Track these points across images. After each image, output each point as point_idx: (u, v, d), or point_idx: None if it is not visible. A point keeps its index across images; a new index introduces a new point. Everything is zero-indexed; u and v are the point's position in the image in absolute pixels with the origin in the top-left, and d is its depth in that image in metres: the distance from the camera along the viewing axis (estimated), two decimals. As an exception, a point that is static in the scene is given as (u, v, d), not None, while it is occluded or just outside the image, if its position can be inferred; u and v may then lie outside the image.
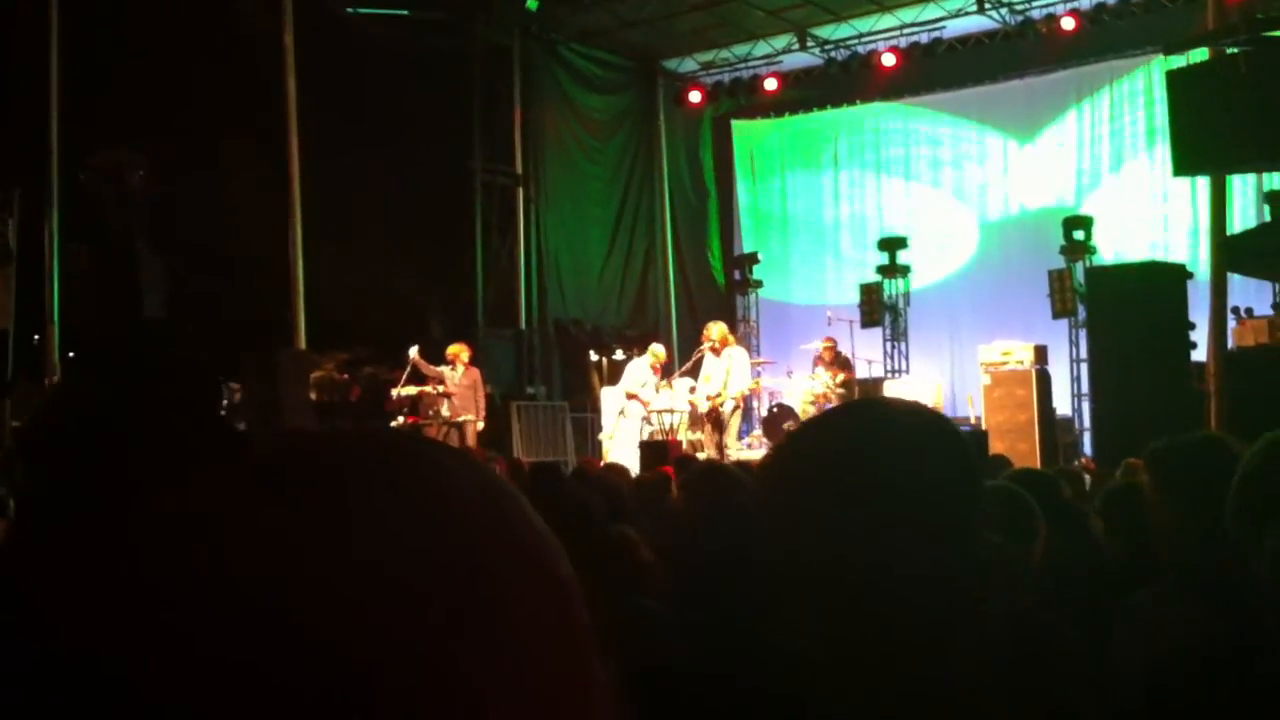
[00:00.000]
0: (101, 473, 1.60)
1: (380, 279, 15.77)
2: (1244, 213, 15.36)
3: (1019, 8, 18.04)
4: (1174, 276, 12.11)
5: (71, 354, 12.17)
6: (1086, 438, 15.61)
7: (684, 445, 13.68)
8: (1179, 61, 10.54)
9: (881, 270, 18.93)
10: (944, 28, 18.59)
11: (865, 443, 1.26)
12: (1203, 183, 13.65)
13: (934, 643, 1.20)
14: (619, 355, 16.77)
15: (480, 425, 14.26)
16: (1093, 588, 3.37)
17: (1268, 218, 14.25)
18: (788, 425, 14.55)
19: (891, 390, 16.95)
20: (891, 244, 18.98)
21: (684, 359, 15.63)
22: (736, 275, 21.09)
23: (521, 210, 18.47)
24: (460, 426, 13.93)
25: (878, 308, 18.71)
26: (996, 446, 11.91)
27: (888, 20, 18.58)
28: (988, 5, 17.91)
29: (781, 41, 19.48)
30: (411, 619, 0.50)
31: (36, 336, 12.39)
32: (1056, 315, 17.03)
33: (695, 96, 20.76)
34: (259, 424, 11.31)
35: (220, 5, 14.35)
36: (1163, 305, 11.51)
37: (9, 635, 0.48)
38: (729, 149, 22.14)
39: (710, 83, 20.90)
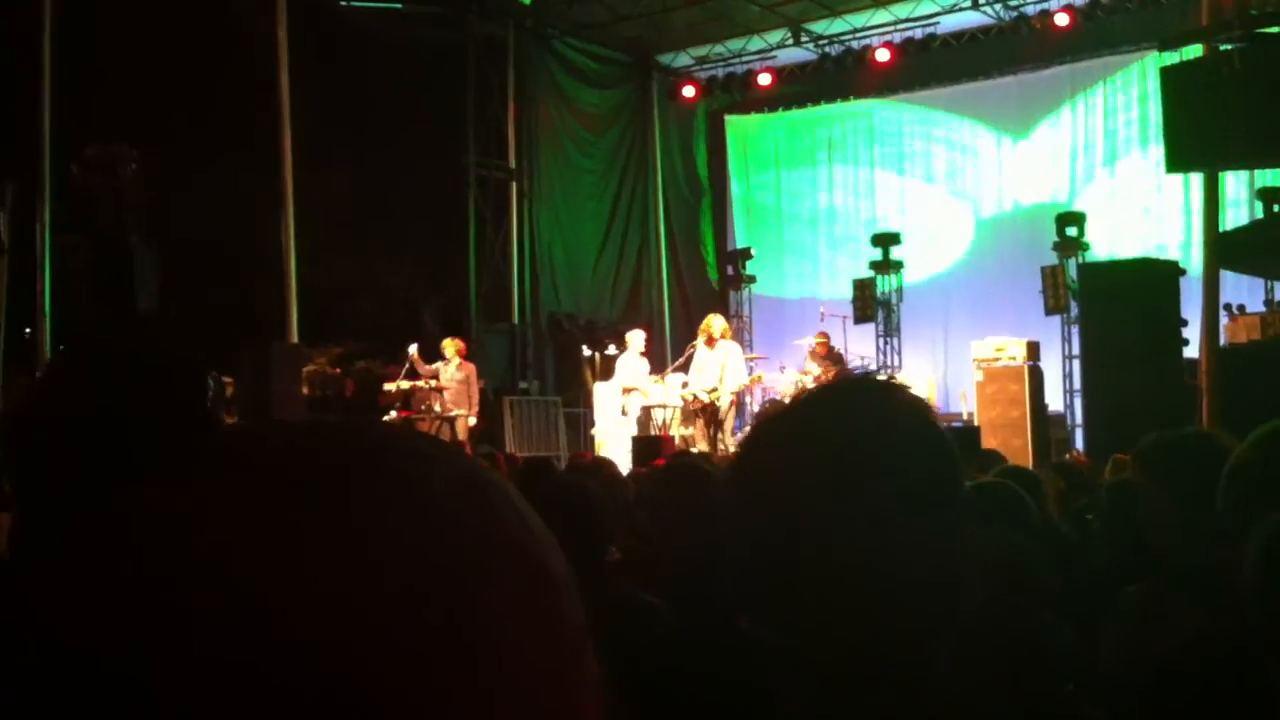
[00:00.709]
0: (96, 468, 1.59)
1: (373, 273, 15.77)
2: (1237, 209, 15.38)
3: (1013, 3, 18.06)
4: (1167, 273, 12.13)
5: (62, 346, 12.16)
6: (1079, 433, 15.63)
7: (676, 441, 13.67)
8: (1173, 58, 10.57)
9: (875, 266, 18.96)
10: (938, 23, 18.62)
11: (841, 428, 1.22)
12: (1196, 179, 13.66)
13: (915, 639, 1.19)
14: (612, 350, 16.77)
15: (473, 420, 14.28)
16: (1086, 584, 3.38)
17: (1260, 214, 14.27)
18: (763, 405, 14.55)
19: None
20: (885, 240, 19.01)
21: (677, 354, 15.62)
22: (730, 270, 21.13)
23: (515, 204, 18.46)
24: (452, 421, 13.95)
25: (871, 303, 18.75)
26: (989, 442, 11.92)
27: (882, 16, 18.59)
28: (982, 1, 17.93)
29: (776, 36, 19.49)
30: (408, 619, 0.50)
31: (28, 329, 12.39)
32: (1049, 311, 17.07)
33: (689, 91, 20.77)
34: (250, 418, 11.30)
35: (213, -1, 14.35)
36: (1155, 301, 11.53)
37: (9, 634, 0.48)
38: (723, 144, 22.14)
39: (704, 77, 20.91)
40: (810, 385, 15.47)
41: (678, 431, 14.28)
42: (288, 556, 0.49)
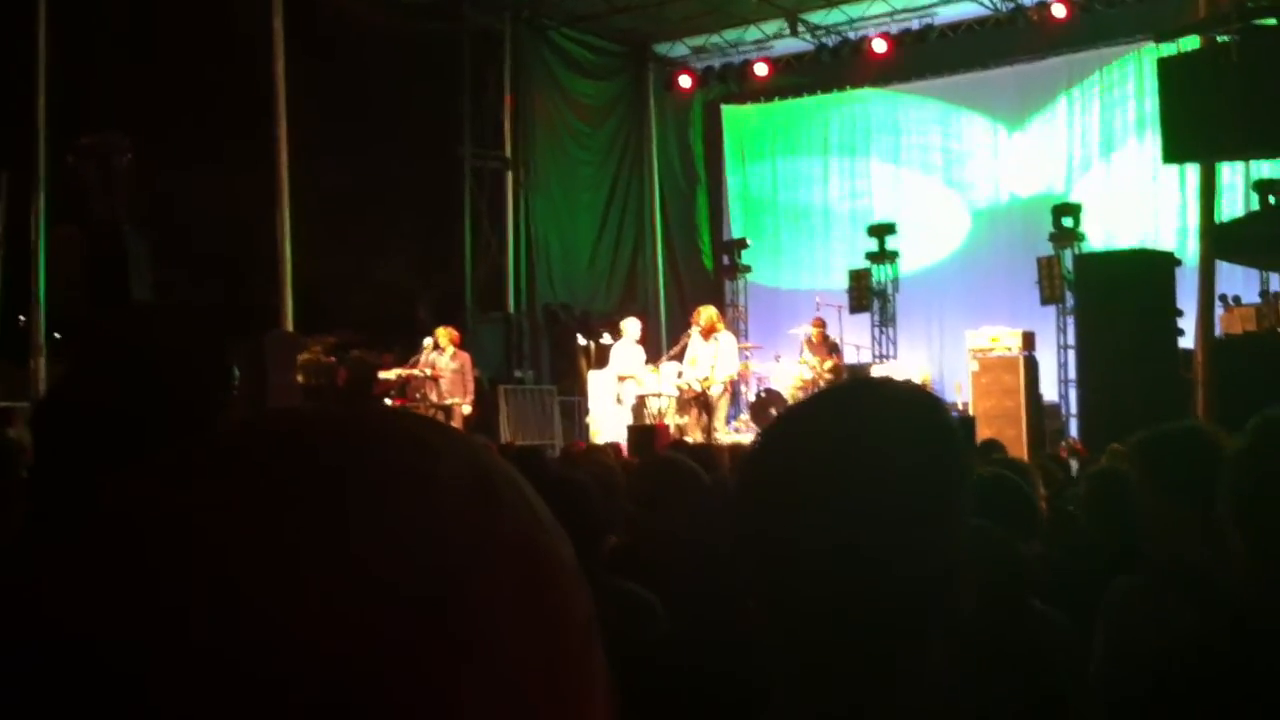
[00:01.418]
0: (110, 464, 1.59)
1: (369, 263, 15.75)
2: (1233, 201, 15.38)
3: (1010, -6, 18.04)
4: (1162, 264, 12.16)
5: (58, 334, 12.15)
6: (1074, 424, 15.66)
7: (671, 430, 13.68)
8: (1170, 49, 10.56)
9: (870, 256, 18.98)
10: (935, 14, 18.59)
11: (857, 431, 1.23)
12: (1192, 170, 13.68)
13: (915, 635, 1.19)
14: (607, 340, 16.77)
15: (468, 409, 14.27)
16: (1078, 578, 3.38)
17: (1256, 206, 14.28)
18: (772, 410, 14.57)
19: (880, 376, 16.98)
20: (880, 230, 19.02)
21: (672, 344, 15.62)
22: (725, 260, 21.14)
23: (511, 195, 18.45)
24: (448, 410, 13.94)
25: (866, 293, 18.76)
26: (984, 432, 11.94)
27: (879, 6, 18.56)
28: (979, -8, 17.91)
29: (773, 27, 19.45)
30: (405, 618, 0.49)
31: (22, 318, 12.38)
32: (1045, 302, 17.09)
33: (686, 82, 20.72)
34: (246, 407, 11.28)
35: (209, -11, 14.29)
36: (1151, 292, 11.55)
37: (9, 631, 0.48)
38: (719, 134, 22.13)
39: (701, 68, 20.86)
40: (808, 376, 15.51)
41: (672, 420, 14.28)
42: (282, 556, 0.49)
